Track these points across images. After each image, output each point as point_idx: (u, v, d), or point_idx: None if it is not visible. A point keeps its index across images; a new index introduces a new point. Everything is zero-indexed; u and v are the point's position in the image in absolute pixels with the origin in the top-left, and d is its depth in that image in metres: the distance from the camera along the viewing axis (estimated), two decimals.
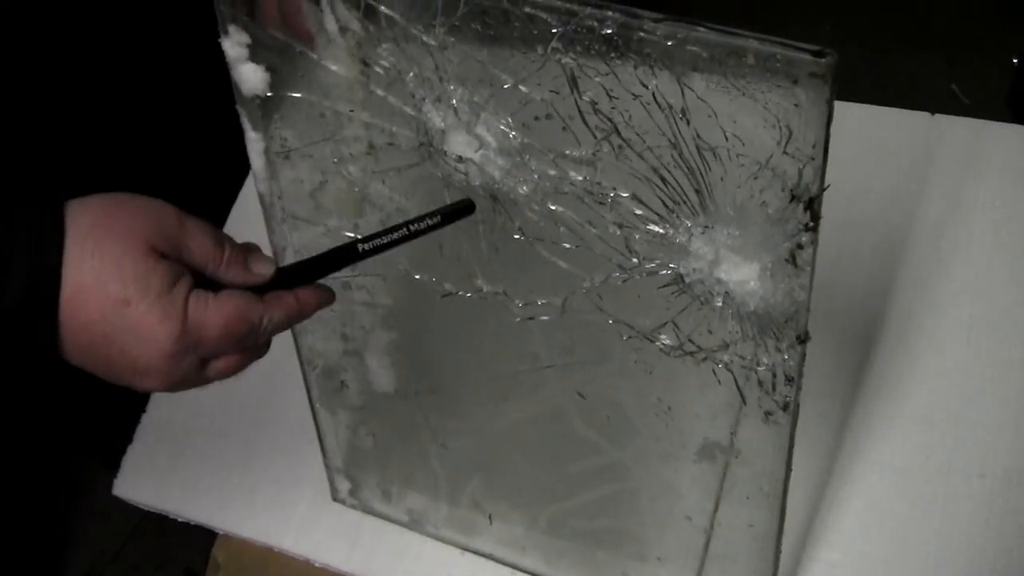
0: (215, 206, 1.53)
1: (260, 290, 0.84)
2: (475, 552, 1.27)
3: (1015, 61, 2.10)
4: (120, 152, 1.48)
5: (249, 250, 0.85)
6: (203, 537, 1.39)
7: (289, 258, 1.04)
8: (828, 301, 1.33)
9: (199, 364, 0.80)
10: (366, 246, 0.87)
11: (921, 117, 1.47)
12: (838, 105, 1.46)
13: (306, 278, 0.87)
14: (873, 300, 1.34)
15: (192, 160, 1.55)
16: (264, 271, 0.84)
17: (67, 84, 1.30)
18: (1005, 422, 1.23)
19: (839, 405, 1.28)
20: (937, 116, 1.46)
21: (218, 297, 0.79)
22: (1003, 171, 1.40)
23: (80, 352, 0.77)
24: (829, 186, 0.75)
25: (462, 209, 0.89)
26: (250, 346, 0.84)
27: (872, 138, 1.46)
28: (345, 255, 0.88)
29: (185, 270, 0.79)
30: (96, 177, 0.91)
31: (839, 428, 1.26)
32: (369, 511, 1.31)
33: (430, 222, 0.88)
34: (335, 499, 1.33)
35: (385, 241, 0.87)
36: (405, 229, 0.87)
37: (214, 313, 0.78)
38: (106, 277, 0.75)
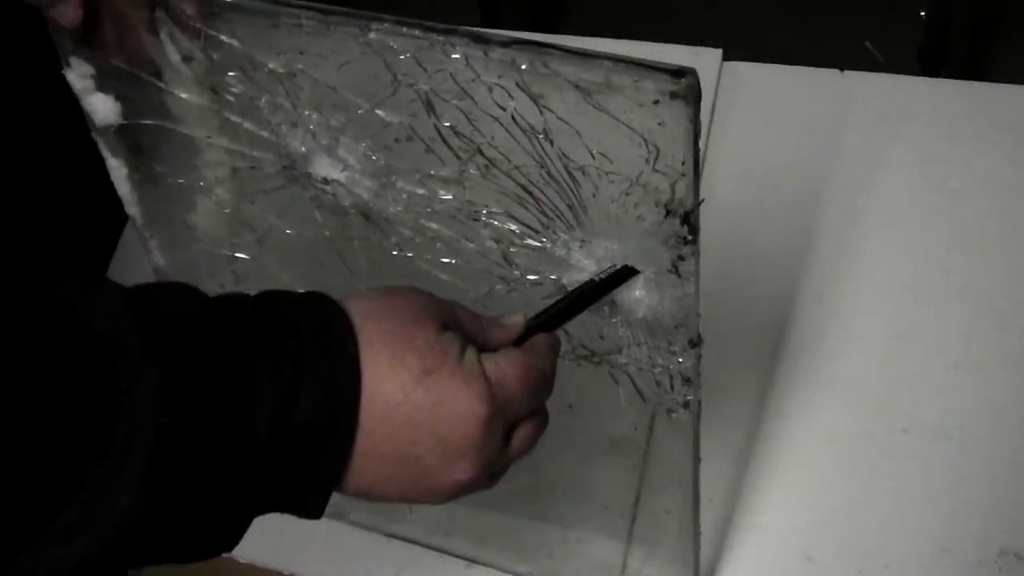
0: (110, 229, 1.51)
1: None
2: (400, 538, 1.25)
3: (923, 15, 2.07)
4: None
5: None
6: None
7: (170, 277, 1.02)
8: (746, 267, 1.32)
9: (505, 434, 0.73)
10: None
11: (831, 74, 1.44)
12: (748, 66, 1.46)
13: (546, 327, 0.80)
14: (791, 263, 1.32)
15: (84, 185, 1.52)
16: (518, 320, 0.77)
17: None
18: (928, 377, 1.22)
19: (761, 371, 1.26)
20: (847, 73, 1.43)
21: (501, 353, 0.73)
22: (916, 125, 1.37)
23: (376, 458, 0.68)
24: (704, 200, 0.72)
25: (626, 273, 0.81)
26: (542, 403, 0.76)
27: (783, 98, 1.44)
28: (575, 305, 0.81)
29: (466, 338, 0.72)
30: None
31: (762, 395, 1.24)
32: None
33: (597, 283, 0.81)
34: None
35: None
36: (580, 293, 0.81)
37: (508, 367, 0.71)
38: (401, 353, 0.67)
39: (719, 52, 1.46)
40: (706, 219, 0.74)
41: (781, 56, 1.47)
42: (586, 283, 0.80)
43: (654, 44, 1.43)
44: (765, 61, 1.47)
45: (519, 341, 0.77)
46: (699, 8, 2.31)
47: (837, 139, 1.39)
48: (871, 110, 1.40)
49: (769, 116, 1.42)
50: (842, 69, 1.44)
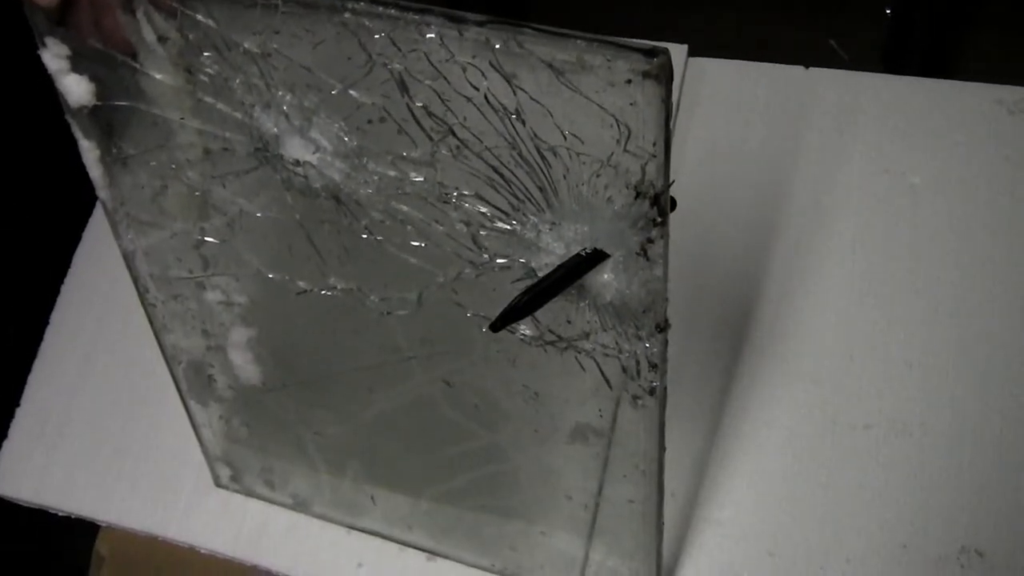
0: (76, 214, 1.51)
1: None
2: (362, 530, 1.25)
3: (888, 12, 2.09)
4: None
5: None
6: (87, 531, 1.36)
7: (139, 261, 1.01)
8: (708, 263, 1.32)
9: None
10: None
11: (796, 71, 1.45)
12: (713, 63, 1.47)
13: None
14: (754, 258, 1.33)
15: (49, 175, 1.52)
16: None
17: None
18: (889, 373, 1.23)
19: (723, 366, 1.27)
20: (812, 70, 1.45)
21: None
22: (878, 122, 1.39)
23: None
24: (674, 181, 0.73)
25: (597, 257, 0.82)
26: None
27: (748, 95, 1.45)
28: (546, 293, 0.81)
29: None
30: None
31: (724, 390, 1.25)
32: (252, 495, 1.29)
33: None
34: (218, 485, 1.30)
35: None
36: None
37: None
38: None
39: (684, 48, 1.47)
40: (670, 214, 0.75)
41: (746, 53, 1.48)
42: (556, 268, 0.81)
43: (619, 40, 1.44)
44: (730, 58, 1.48)
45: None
46: (664, 5, 2.32)
47: (800, 136, 1.40)
48: (834, 107, 1.41)
49: (734, 112, 1.43)
50: (807, 66, 1.45)
